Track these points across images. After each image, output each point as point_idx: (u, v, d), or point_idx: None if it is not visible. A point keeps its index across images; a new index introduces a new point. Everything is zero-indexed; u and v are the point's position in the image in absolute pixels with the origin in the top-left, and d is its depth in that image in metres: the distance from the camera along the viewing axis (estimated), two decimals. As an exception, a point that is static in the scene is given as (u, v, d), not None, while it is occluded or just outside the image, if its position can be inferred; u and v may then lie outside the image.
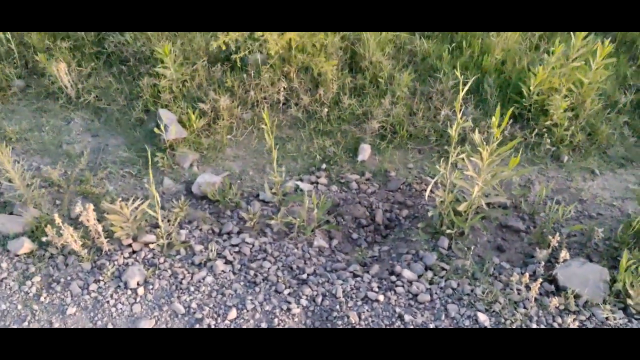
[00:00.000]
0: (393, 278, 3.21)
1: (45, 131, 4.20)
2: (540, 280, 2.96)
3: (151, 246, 3.34)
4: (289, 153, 4.15)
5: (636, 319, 2.96)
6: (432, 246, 3.42)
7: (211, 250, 3.31)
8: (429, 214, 3.47)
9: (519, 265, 3.32)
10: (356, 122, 4.29)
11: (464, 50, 4.61)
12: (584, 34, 3.90)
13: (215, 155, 4.10)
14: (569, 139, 4.12)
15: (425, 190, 3.42)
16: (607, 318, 2.95)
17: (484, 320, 2.94)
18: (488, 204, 3.48)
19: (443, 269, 3.26)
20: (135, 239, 3.35)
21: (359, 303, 3.06)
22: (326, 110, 4.27)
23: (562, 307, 3.02)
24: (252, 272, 3.23)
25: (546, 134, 4.12)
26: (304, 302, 3.06)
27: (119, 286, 3.11)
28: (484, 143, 3.00)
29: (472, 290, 3.12)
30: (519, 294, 3.08)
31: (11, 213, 3.48)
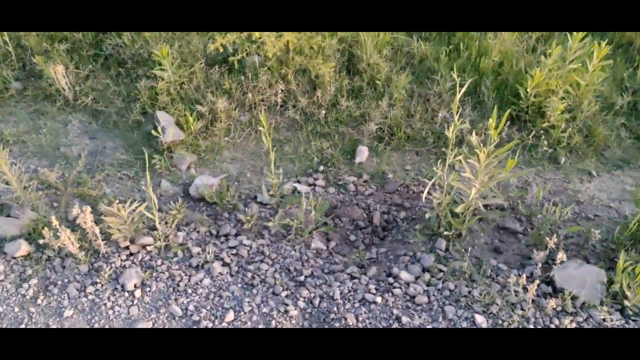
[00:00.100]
0: (390, 280, 3.21)
1: (43, 133, 4.20)
2: (537, 281, 2.96)
3: (148, 248, 3.34)
4: (286, 155, 4.15)
5: (633, 320, 2.96)
6: (429, 248, 3.43)
7: (208, 253, 3.31)
8: (427, 215, 3.47)
9: (516, 266, 3.33)
10: (354, 124, 4.30)
11: (462, 52, 4.62)
12: (580, 36, 3.91)
13: (213, 158, 4.10)
14: (566, 141, 4.13)
15: (423, 192, 3.42)
16: (604, 319, 2.95)
17: (482, 321, 2.94)
18: (485, 206, 3.49)
19: (440, 270, 3.26)
20: (132, 241, 3.35)
21: (357, 305, 3.06)
22: (324, 112, 4.27)
23: (559, 309, 3.02)
24: (249, 274, 3.23)
25: (543, 136, 4.13)
26: (301, 304, 3.06)
27: (116, 288, 3.11)
28: (481, 145, 3.00)
29: (469, 292, 3.12)
30: (516, 295, 3.09)
31: (8, 215, 3.47)
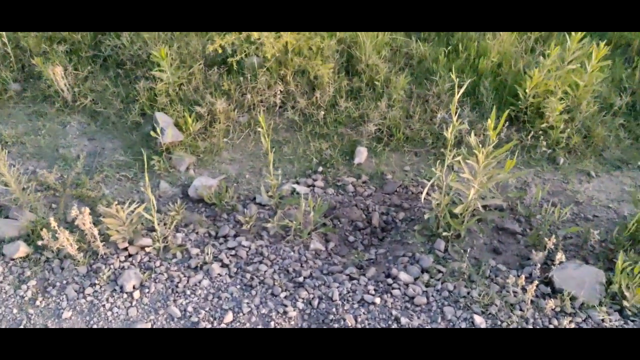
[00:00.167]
0: (389, 281, 3.21)
1: (42, 135, 4.20)
2: (536, 282, 2.96)
3: (147, 250, 3.34)
4: (285, 156, 4.15)
5: (632, 320, 2.96)
6: (428, 249, 3.42)
7: (207, 254, 3.31)
8: (425, 216, 3.47)
9: (515, 267, 3.33)
10: (352, 125, 4.30)
11: (460, 53, 4.62)
12: (579, 36, 3.91)
13: (212, 159, 4.10)
14: (564, 142, 4.13)
15: (422, 193, 3.42)
16: (603, 320, 2.95)
17: (480, 322, 2.94)
18: (484, 207, 3.49)
19: (439, 271, 3.26)
20: (131, 243, 3.35)
21: (356, 306, 3.06)
22: (323, 113, 4.28)
23: (558, 309, 3.02)
24: (248, 275, 3.23)
25: (542, 137, 4.13)
26: (300, 305, 3.06)
27: (114, 290, 3.10)
28: (480, 145, 3.01)
29: (468, 293, 3.12)
30: (515, 296, 3.09)
31: (7, 217, 3.47)
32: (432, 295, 3.11)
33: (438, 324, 2.96)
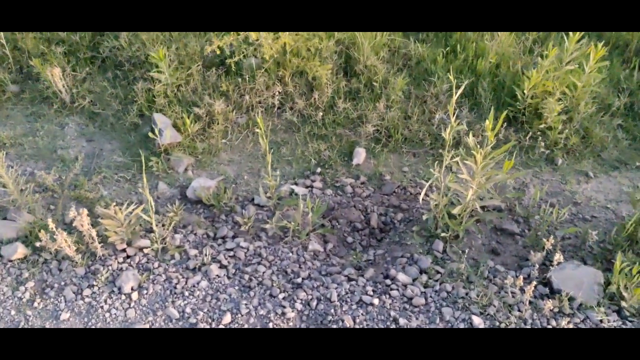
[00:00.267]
0: (388, 282, 3.21)
1: (40, 136, 4.19)
2: (534, 283, 2.97)
3: (145, 251, 3.33)
4: (283, 157, 4.15)
5: (630, 321, 2.97)
6: (426, 249, 3.42)
7: (206, 255, 3.31)
8: (424, 217, 3.47)
9: (513, 268, 3.33)
10: (351, 126, 4.30)
11: (458, 54, 4.62)
12: (577, 37, 3.91)
13: (210, 160, 4.10)
14: (563, 142, 4.13)
15: (420, 194, 3.42)
16: (601, 320, 2.95)
17: (479, 323, 2.94)
18: (482, 207, 3.49)
19: (438, 272, 3.26)
20: (129, 244, 3.35)
21: (354, 307, 3.05)
22: (321, 114, 4.28)
23: (556, 310, 3.02)
24: (246, 277, 3.23)
25: (540, 137, 4.13)
26: (298, 306, 3.06)
27: (113, 291, 3.10)
28: (478, 146, 3.01)
29: (466, 294, 3.12)
30: (513, 296, 3.09)
31: (5, 218, 3.47)
32: (431, 296, 3.11)
33: (436, 324, 2.96)
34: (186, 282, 3.17)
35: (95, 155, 4.08)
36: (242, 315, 3.00)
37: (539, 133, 4.16)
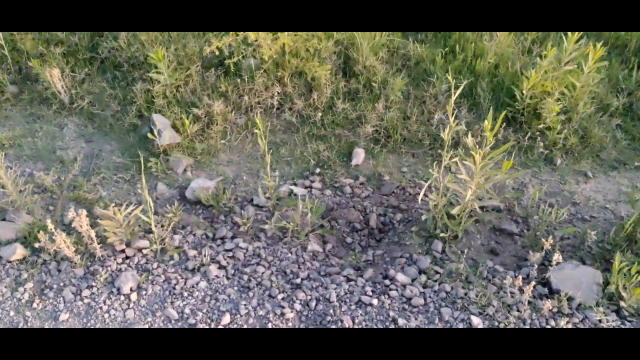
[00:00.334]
0: (387, 282, 3.21)
1: (39, 137, 4.19)
2: (533, 283, 2.97)
3: (144, 251, 3.33)
4: (282, 157, 4.15)
5: (629, 321, 2.97)
6: (425, 250, 3.43)
7: (205, 255, 3.31)
8: (423, 217, 3.47)
9: (512, 268, 3.33)
10: (350, 127, 4.30)
11: (457, 54, 4.63)
12: (576, 37, 3.91)
13: (209, 160, 4.10)
14: (562, 142, 4.13)
15: (419, 194, 3.42)
16: (600, 320, 2.96)
17: (478, 323, 2.94)
18: (481, 208, 3.49)
19: (437, 272, 3.26)
20: (128, 245, 3.35)
21: (353, 307, 3.05)
22: (320, 114, 4.28)
23: (555, 310, 3.02)
24: (245, 277, 3.23)
25: (539, 137, 4.13)
26: (297, 306, 3.06)
27: (112, 292, 3.10)
28: (477, 146, 3.01)
29: (465, 294, 3.12)
30: (512, 297, 3.09)
31: (4, 219, 3.47)
32: (430, 297, 3.12)
33: (435, 325, 2.96)
34: (185, 283, 3.17)
35: (94, 156, 4.08)
36: (241, 316, 3.00)
37: (537, 133, 4.16)
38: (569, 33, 3.93)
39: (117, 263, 3.26)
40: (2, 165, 3.31)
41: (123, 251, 3.33)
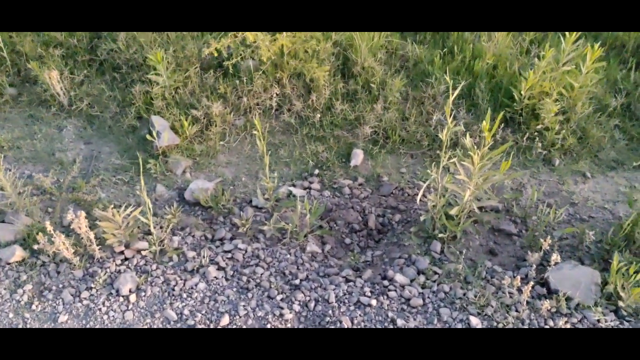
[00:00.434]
0: (386, 282, 3.21)
1: (38, 139, 4.19)
2: (532, 283, 2.98)
3: (143, 253, 3.34)
4: (281, 159, 4.15)
5: (627, 321, 2.97)
6: (424, 250, 3.43)
7: (204, 257, 3.31)
8: (421, 218, 3.48)
9: (511, 268, 3.33)
10: (349, 128, 4.31)
11: (456, 55, 4.63)
12: (574, 37, 3.92)
13: (208, 162, 4.10)
14: (560, 143, 4.14)
15: (418, 195, 3.43)
16: (598, 320, 2.96)
17: (476, 323, 2.94)
18: (480, 208, 3.49)
19: (435, 273, 3.27)
20: (127, 246, 3.35)
21: (352, 308, 3.06)
22: (319, 115, 4.28)
23: (553, 310, 3.02)
24: (244, 278, 3.23)
25: (537, 138, 4.14)
26: (296, 307, 3.06)
27: (110, 293, 3.10)
28: (476, 147, 3.01)
29: (464, 294, 3.12)
30: (511, 297, 3.09)
31: (3, 221, 3.47)
32: (428, 297, 3.12)
33: (434, 325, 2.97)
34: (184, 284, 3.18)
35: (93, 157, 4.08)
36: (240, 317, 3.00)
37: (536, 134, 4.17)
38: (567, 33, 3.94)
39: (116, 264, 3.26)
40: (1, 167, 3.32)
41: (122, 252, 3.33)
